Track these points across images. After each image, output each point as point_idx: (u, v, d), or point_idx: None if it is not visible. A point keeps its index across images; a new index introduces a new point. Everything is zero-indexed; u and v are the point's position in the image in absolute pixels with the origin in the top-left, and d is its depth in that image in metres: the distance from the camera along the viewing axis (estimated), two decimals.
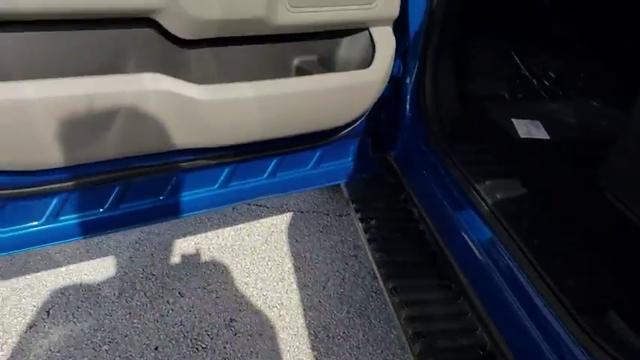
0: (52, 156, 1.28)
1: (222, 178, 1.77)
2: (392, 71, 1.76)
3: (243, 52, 1.56)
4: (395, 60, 1.76)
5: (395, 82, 1.87)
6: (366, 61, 1.67)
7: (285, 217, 2.71)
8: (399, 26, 1.74)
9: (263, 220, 2.69)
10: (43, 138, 1.23)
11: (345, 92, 1.61)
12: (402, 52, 1.83)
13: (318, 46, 1.68)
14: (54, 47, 1.27)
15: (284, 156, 1.84)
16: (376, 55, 1.65)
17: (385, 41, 1.67)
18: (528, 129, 2.05)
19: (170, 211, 1.72)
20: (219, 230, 2.60)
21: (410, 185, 1.97)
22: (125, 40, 1.35)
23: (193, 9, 1.28)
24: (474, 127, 2.05)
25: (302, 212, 2.76)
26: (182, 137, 1.44)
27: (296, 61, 1.67)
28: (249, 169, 1.82)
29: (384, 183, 2.13)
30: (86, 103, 1.23)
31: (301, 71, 1.66)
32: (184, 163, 1.61)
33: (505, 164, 1.81)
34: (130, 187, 1.58)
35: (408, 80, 1.91)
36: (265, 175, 1.87)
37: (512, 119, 2.09)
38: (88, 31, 1.29)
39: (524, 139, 1.99)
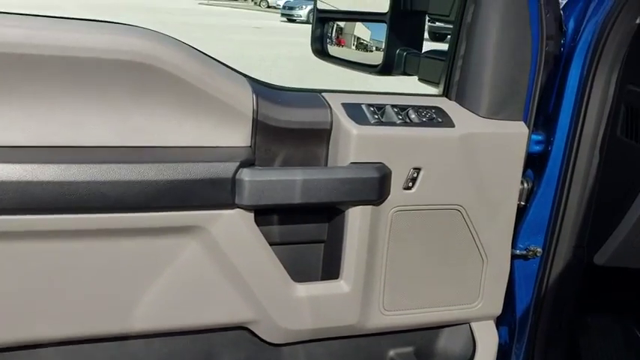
0: None
1: None
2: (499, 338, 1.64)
3: (335, 346, 1.53)
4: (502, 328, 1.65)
5: (502, 350, 1.72)
6: (466, 357, 1.58)
7: None
8: (503, 314, 1.65)
9: None
10: None
11: None
12: (508, 323, 1.73)
13: (414, 338, 1.62)
14: (154, 353, 1.33)
15: None
16: (476, 354, 1.55)
17: (486, 339, 1.58)
18: None
19: None
20: None
21: None
22: (217, 341, 1.38)
23: (285, 322, 1.30)
24: None
25: None
26: None
27: (391, 353, 1.61)
28: None
29: None
30: None
31: None
32: None
33: None
34: None
35: None
36: None
37: None
38: (184, 336, 1.34)
39: None
